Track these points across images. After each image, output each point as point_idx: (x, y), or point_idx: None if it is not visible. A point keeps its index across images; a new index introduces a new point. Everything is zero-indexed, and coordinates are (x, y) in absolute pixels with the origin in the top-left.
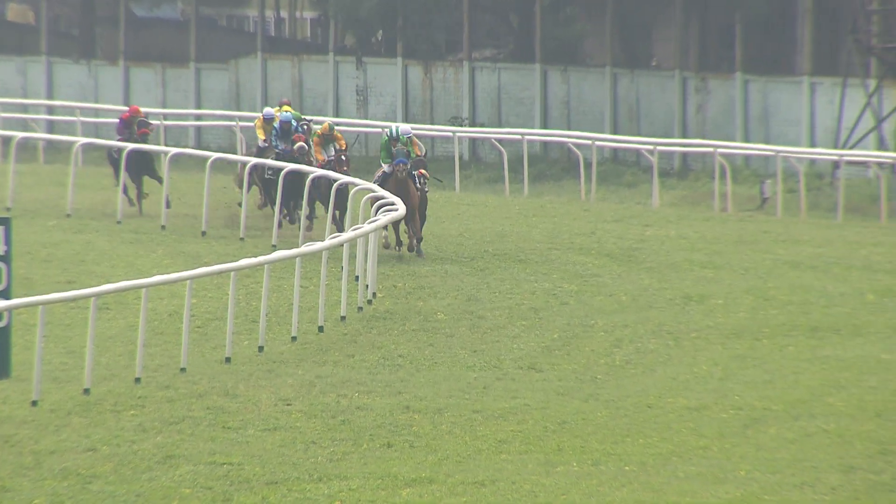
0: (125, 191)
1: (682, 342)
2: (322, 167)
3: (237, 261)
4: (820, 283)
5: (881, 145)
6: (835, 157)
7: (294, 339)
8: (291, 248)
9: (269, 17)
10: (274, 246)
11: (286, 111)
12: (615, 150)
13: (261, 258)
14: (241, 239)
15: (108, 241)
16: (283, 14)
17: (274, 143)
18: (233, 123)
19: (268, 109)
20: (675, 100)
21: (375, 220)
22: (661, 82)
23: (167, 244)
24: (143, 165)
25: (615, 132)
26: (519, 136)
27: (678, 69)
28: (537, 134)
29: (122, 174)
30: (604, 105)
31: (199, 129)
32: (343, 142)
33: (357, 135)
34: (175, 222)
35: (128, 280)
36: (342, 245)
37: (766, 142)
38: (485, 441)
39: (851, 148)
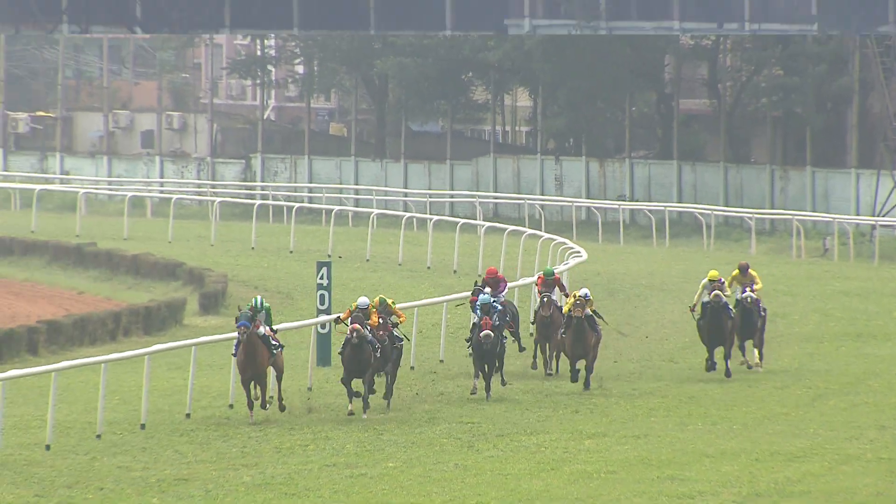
0: None
1: (771, 344)
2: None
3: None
4: (863, 305)
5: None
6: (872, 222)
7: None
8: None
9: (498, 130)
10: None
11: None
12: (726, 217)
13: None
14: (479, 276)
15: (393, 276)
16: (507, 128)
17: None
18: (474, 200)
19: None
20: (766, 184)
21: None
22: (756, 172)
23: (431, 279)
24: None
25: (726, 205)
26: (662, 207)
27: (768, 163)
28: (675, 206)
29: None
30: (718, 187)
31: (452, 203)
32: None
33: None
34: (436, 265)
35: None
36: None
37: (827, 212)
38: (640, 409)
39: (884, 216)
